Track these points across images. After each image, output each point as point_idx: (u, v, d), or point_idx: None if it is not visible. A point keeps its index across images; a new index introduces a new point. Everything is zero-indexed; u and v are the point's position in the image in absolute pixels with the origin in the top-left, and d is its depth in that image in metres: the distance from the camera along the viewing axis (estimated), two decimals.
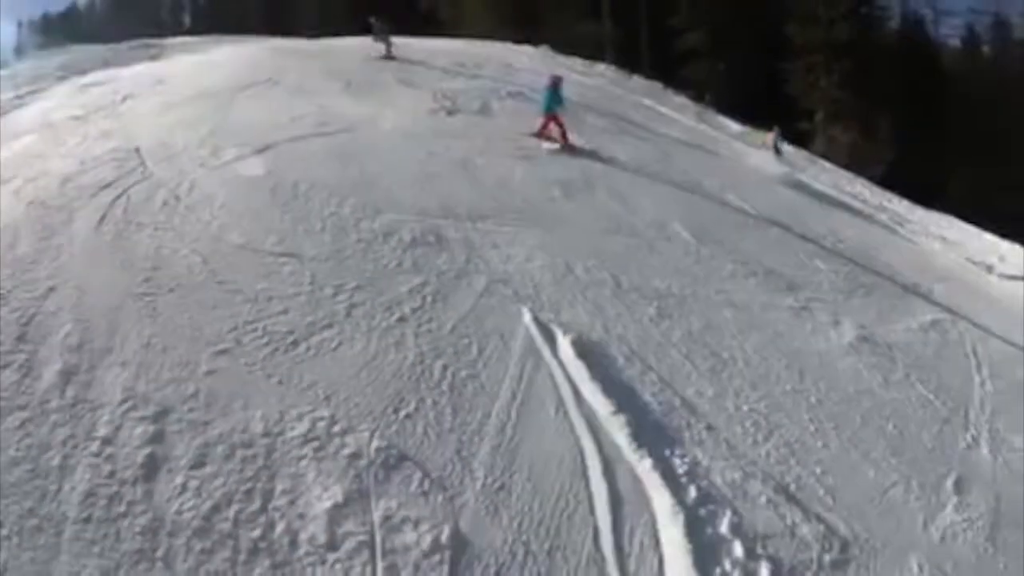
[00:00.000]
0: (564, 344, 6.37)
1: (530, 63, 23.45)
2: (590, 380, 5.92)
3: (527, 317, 6.72)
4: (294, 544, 4.12)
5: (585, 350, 6.35)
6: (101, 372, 5.20)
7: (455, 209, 8.94)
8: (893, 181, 27.40)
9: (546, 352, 6.25)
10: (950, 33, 42.66)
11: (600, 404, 5.68)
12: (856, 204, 20.68)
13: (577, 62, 27.56)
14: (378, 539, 4.24)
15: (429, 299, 6.75)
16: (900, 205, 23.82)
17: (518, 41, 29.34)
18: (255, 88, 14.31)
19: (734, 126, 24.27)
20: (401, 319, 6.34)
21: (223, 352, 5.54)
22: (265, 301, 6.25)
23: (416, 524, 4.37)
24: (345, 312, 6.30)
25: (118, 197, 8.14)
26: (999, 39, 41.21)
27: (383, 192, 9.14)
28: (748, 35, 34.49)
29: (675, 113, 22.59)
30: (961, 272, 17.76)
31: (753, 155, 19.91)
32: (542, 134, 13.28)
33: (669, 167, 14.31)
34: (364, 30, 21.47)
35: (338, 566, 4.05)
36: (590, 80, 24.00)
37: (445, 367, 5.79)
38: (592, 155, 13.21)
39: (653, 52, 34.09)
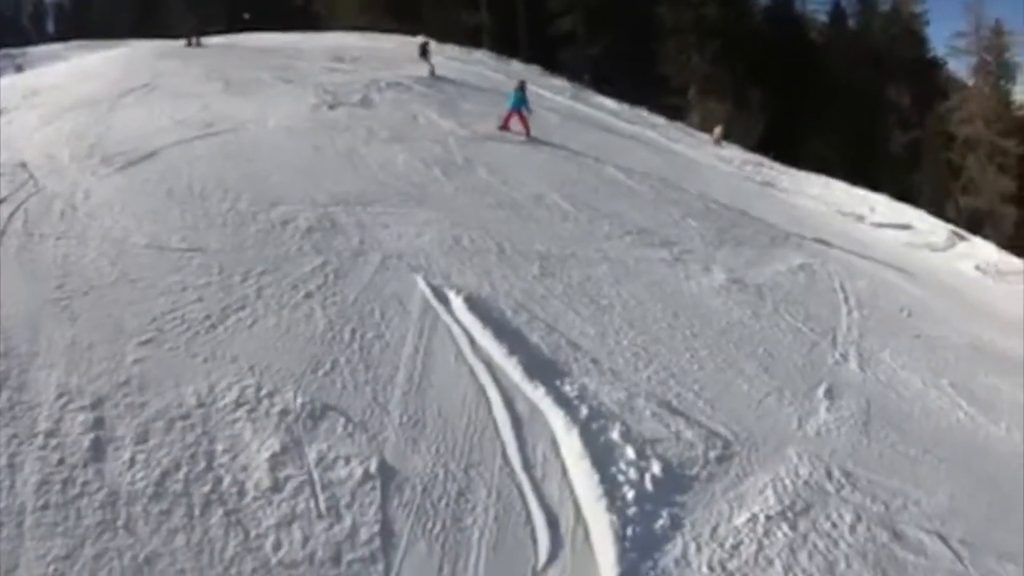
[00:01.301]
0: (457, 302, 7.20)
1: (407, 53, 23.89)
2: (483, 329, 6.76)
3: (421, 284, 7.50)
4: (242, 492, 4.64)
5: (476, 306, 7.20)
6: (32, 374, 5.48)
7: (345, 196, 9.60)
8: (766, 147, 29.65)
9: (441, 311, 7.05)
10: (817, 8, 45.50)
11: (494, 349, 6.51)
12: (730, 169, 22.37)
13: (455, 49, 28.08)
14: (316, 477, 4.84)
15: (331, 276, 7.42)
16: (773, 168, 25.78)
17: (397, 32, 29.65)
18: (134, 94, 14.45)
19: (610, 104, 25.20)
20: (308, 295, 6.99)
21: (147, 342, 5.97)
22: (179, 292, 6.72)
23: (347, 460, 5.01)
24: (255, 294, 6.86)
25: (15, 211, 8.33)
26: (863, 12, 44.12)
27: (275, 186, 9.69)
28: (621, 18, 36.05)
29: (553, 94, 23.51)
30: (832, 223, 19.65)
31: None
32: (504, 126, 15.05)
33: (546, 144, 15.30)
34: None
35: (284, 504, 4.60)
36: (469, 67, 24.64)
37: (353, 331, 6.49)
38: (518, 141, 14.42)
39: (530, 37, 35.11)
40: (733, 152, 24.99)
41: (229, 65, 17.88)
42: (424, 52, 21.96)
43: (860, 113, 38.70)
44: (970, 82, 42.39)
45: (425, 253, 8.38)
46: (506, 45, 32.47)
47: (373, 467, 5.02)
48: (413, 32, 29.46)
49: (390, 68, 20.01)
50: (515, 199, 11.17)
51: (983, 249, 25.67)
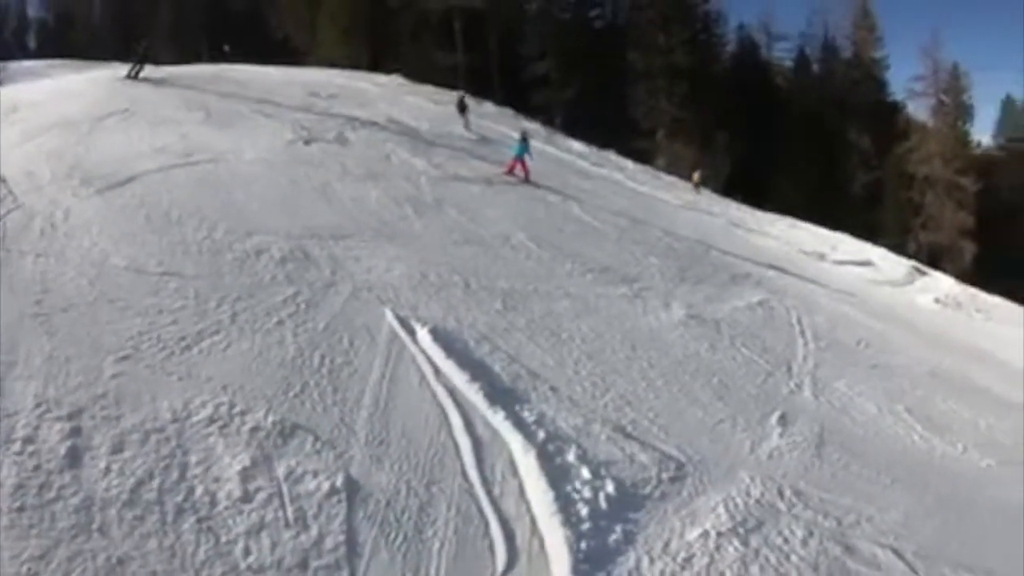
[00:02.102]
0: (423, 333, 7.52)
1: (383, 92, 24.33)
2: (446, 359, 7.08)
3: (389, 315, 7.83)
4: (214, 502, 4.84)
5: (441, 337, 7.52)
6: (9, 384, 5.64)
7: (318, 230, 9.93)
8: (731, 188, 30.42)
9: (408, 341, 7.37)
10: (783, 55, 47.11)
11: (457, 376, 6.83)
12: (695, 210, 22.90)
13: (430, 90, 28.53)
14: (284, 489, 5.07)
15: (303, 305, 7.70)
16: (738, 209, 26.46)
17: (373, 69, 30.13)
18: (114, 117, 14.64)
19: (580, 147, 25.73)
20: (280, 322, 7.25)
21: (124, 358, 6.18)
22: (156, 314, 6.95)
23: (315, 475, 5.25)
24: (230, 319, 7.11)
25: None
26: (827, 59, 45.65)
27: (251, 217, 9.97)
28: (593, 62, 36.81)
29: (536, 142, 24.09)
30: (793, 261, 20.22)
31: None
32: (510, 171, 16.38)
33: (515, 186, 15.76)
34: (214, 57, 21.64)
35: (253, 514, 4.81)
36: (442, 108, 24.90)
37: (323, 356, 6.77)
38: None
39: (504, 80, 35.61)
40: (707, 195, 25.59)
41: (209, 96, 18.13)
42: (462, 108, 22.68)
43: (823, 155, 39.89)
44: (929, 123, 43.74)
45: (394, 287, 8.71)
46: (480, 86, 33.03)
47: (339, 482, 5.25)
48: (389, 70, 30.02)
49: (366, 107, 20.45)
50: (482, 237, 11.58)
51: (942, 282, 26.48)
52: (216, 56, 27.39)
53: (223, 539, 4.58)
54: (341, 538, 4.78)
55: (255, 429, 5.59)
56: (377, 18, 36.38)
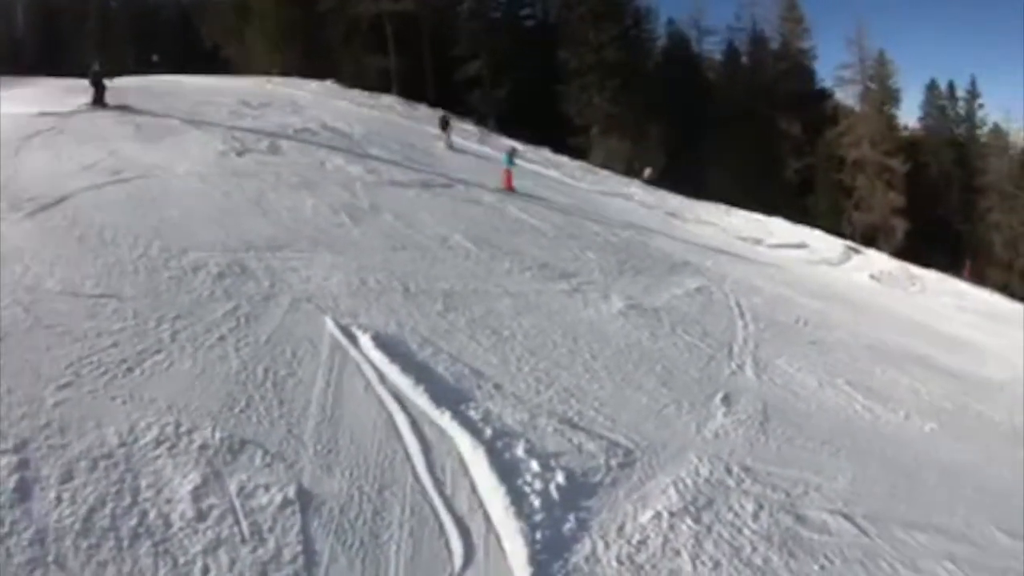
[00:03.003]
0: (365, 340, 7.54)
1: (315, 99, 24.11)
2: (390, 364, 7.11)
3: (330, 324, 7.81)
4: (168, 523, 4.78)
5: (383, 342, 7.55)
6: None
7: (255, 242, 9.83)
8: (666, 180, 30.98)
9: (350, 348, 7.37)
10: (712, 48, 48.22)
11: (401, 381, 6.87)
12: (631, 204, 23.28)
13: (363, 94, 28.38)
14: (238, 505, 5.03)
15: (243, 319, 7.63)
16: (674, 200, 26.96)
17: (305, 76, 29.77)
18: (42, 136, 14.15)
19: (516, 146, 26.14)
20: (221, 338, 7.17)
21: (66, 385, 6.04)
22: (95, 338, 6.80)
23: (267, 488, 5.23)
24: (170, 338, 7.00)
25: None
26: (755, 51, 46.82)
27: (186, 232, 9.81)
28: (525, 61, 37.18)
29: (458, 138, 24.03)
30: (730, 247, 20.74)
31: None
32: (507, 183, 17.68)
33: (451, 187, 15.82)
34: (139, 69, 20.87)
35: (209, 532, 4.77)
36: (376, 112, 25.00)
37: (266, 370, 6.72)
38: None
39: (438, 81, 35.65)
40: (650, 189, 25.99)
41: (138, 109, 17.68)
42: (445, 125, 22.95)
43: (756, 143, 41.03)
44: (857, 108, 45.52)
45: (333, 295, 8.70)
46: (413, 89, 32.96)
47: (292, 493, 5.24)
48: (322, 76, 29.69)
49: (298, 114, 20.25)
50: (420, 241, 11.62)
51: (876, 259, 27.55)
52: (145, 67, 26.61)
53: (181, 560, 4.55)
54: (298, 549, 4.78)
55: (203, 447, 5.53)
56: (308, 24, 36.04)
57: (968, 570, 6.74)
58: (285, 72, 30.88)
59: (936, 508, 7.85)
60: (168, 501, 4.96)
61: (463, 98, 35.25)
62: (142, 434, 5.56)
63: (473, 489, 5.71)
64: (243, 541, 4.75)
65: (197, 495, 5.04)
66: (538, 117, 33.88)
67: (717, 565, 5.63)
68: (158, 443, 5.49)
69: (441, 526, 5.25)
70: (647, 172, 28.25)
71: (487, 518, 5.43)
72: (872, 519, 6.94)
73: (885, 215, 41.68)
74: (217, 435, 5.67)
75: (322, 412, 6.24)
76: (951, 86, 49.80)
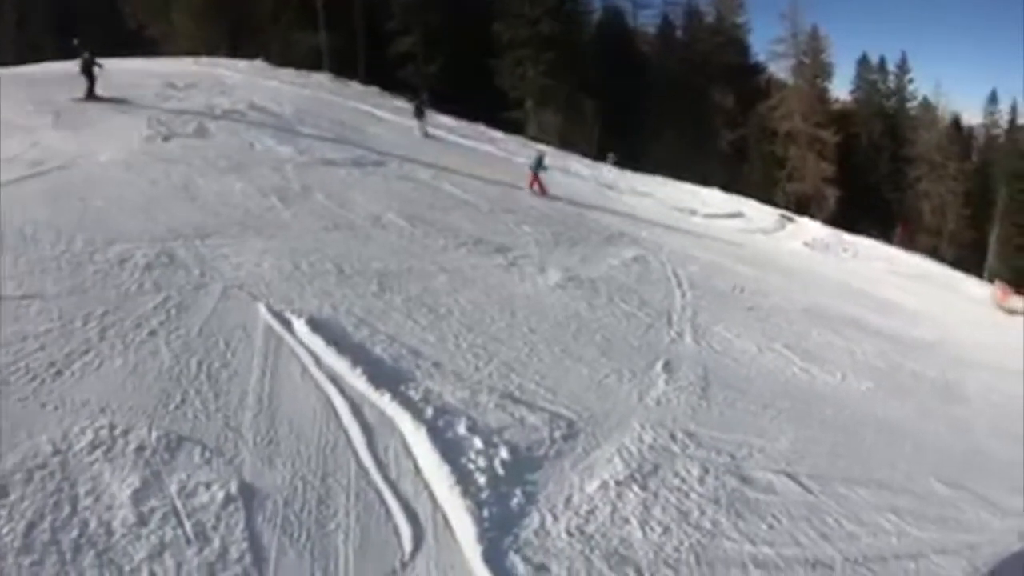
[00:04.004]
0: (299, 325, 7.37)
1: (244, 79, 23.35)
2: (326, 347, 6.98)
3: (263, 310, 7.61)
4: (110, 531, 4.61)
5: (318, 326, 7.40)
6: None
7: (183, 230, 9.47)
8: (603, 152, 31.20)
9: (285, 334, 7.20)
10: (647, 22, 48.47)
11: (338, 364, 6.76)
12: (567, 176, 23.32)
13: (293, 73, 27.68)
14: (179, 505, 4.88)
15: (173, 311, 7.35)
16: (609, 172, 27.15)
17: (233, 55, 28.84)
18: None
19: (449, 121, 25.70)
20: (152, 332, 6.90)
21: None
22: (20, 342, 6.47)
23: (208, 486, 5.08)
24: (99, 337, 6.70)
25: None
26: (690, 25, 47.27)
27: (111, 224, 9.41)
28: (459, 35, 36.47)
29: (392, 115, 23.72)
30: (666, 218, 21.00)
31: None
32: (530, 186, 17.71)
33: (384, 165, 15.57)
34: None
35: (153, 536, 4.62)
36: (307, 90, 24.37)
37: (200, 362, 6.51)
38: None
39: (369, 57, 34.91)
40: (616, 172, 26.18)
41: (59, 94, 16.79)
42: (420, 113, 22.71)
43: (690, 116, 41.74)
44: (790, 82, 46.67)
45: (265, 280, 8.47)
46: (345, 66, 32.28)
47: (234, 489, 5.12)
48: (249, 55, 28.80)
49: (227, 95, 19.58)
50: (352, 221, 11.42)
51: (809, 227, 28.35)
52: (66, 51, 25.34)
53: (126, 568, 4.40)
54: (245, 546, 4.68)
55: (140, 448, 5.34)
56: (235, 1, 34.77)
57: (910, 520, 7.02)
58: (212, 52, 29.82)
59: (876, 463, 8.13)
60: (108, 508, 4.79)
61: (396, 74, 34.63)
62: (76, 440, 5.33)
63: (417, 470, 5.67)
64: (188, 543, 4.62)
65: (137, 499, 4.88)
66: (473, 91, 33.52)
67: (667, 530, 5.73)
68: (93, 448, 5.28)
69: (388, 511, 5.21)
70: (610, 157, 28.71)
71: (433, 499, 5.41)
72: (815, 477, 7.16)
73: (817, 184, 43.22)
74: (153, 434, 5.48)
75: (259, 402, 6.09)
76: (882, 61, 51.48)
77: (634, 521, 5.74)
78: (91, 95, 17.16)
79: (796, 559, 5.89)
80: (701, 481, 6.52)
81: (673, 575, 5.31)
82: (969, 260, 40.91)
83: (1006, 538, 7.38)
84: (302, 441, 5.71)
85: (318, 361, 6.79)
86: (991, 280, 30.61)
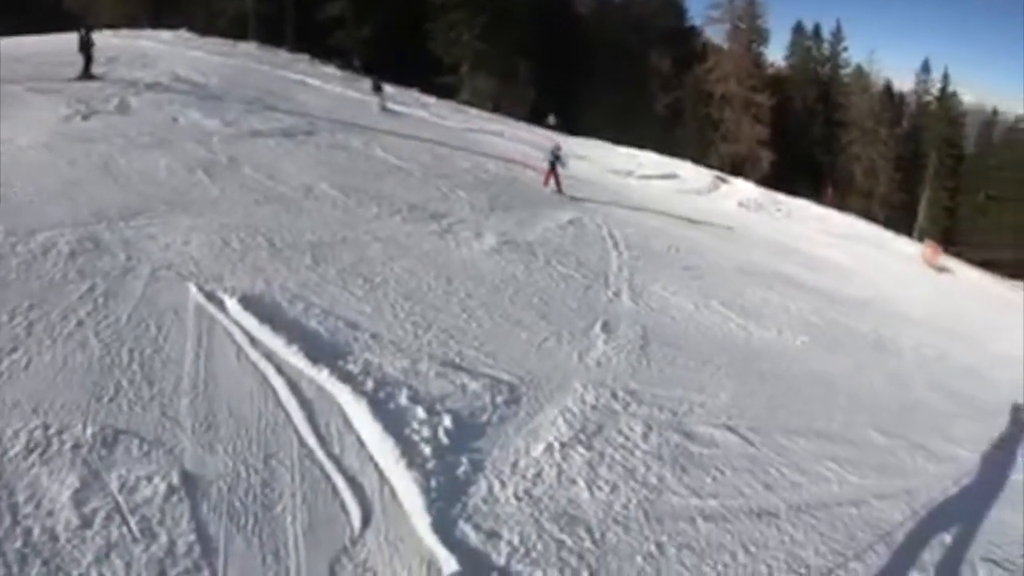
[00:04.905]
0: (231, 303, 7.17)
1: (168, 50, 22.48)
2: (260, 325, 6.81)
3: (194, 291, 7.35)
4: (54, 537, 4.42)
5: (251, 303, 7.21)
6: None
7: (106, 212, 9.06)
8: (537, 116, 31.15)
9: (217, 314, 6.99)
10: None
11: (274, 342, 6.61)
12: (501, 141, 23.21)
13: (219, 42, 26.82)
14: (122, 502, 4.72)
15: (101, 299, 7.03)
16: (545, 135, 27.08)
17: (156, 26, 27.70)
18: None
19: (387, 88, 25.58)
20: (79, 323, 6.59)
21: None
22: None
23: (149, 479, 4.92)
24: (25, 332, 6.37)
25: None
26: None
27: (32, 211, 8.94)
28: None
29: (322, 82, 23.24)
30: (601, 180, 21.15)
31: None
32: (546, 181, 16.63)
33: (315, 134, 15.23)
34: None
35: (98, 538, 4.45)
36: (233, 60, 23.67)
37: (131, 351, 6.27)
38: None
39: (298, 24, 34.09)
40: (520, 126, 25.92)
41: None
42: (378, 88, 22.60)
43: (626, 79, 41.93)
44: (726, 47, 47.71)
45: (195, 259, 8.19)
46: (274, 33, 31.35)
47: (176, 480, 4.98)
48: (173, 25, 27.69)
49: (149, 68, 18.79)
50: (283, 193, 11.14)
51: (744, 188, 28.98)
52: None
53: (75, 574, 4.24)
54: (192, 538, 4.56)
55: (76, 446, 5.13)
56: None
57: (850, 468, 7.33)
58: (135, 24, 28.50)
59: (814, 414, 8.43)
60: (50, 513, 4.60)
61: (326, 40, 33.74)
62: (10, 444, 5.09)
63: (361, 444, 5.63)
64: (135, 541, 4.49)
65: (78, 500, 4.70)
66: (406, 56, 32.97)
67: (614, 488, 5.84)
68: (29, 451, 5.05)
69: (334, 488, 5.16)
70: (551, 119, 28.57)
71: (379, 472, 5.38)
72: (756, 430, 7.38)
73: (751, 147, 44.43)
74: (89, 431, 5.28)
75: (195, 387, 5.92)
76: (817, 28, 53.18)
77: (581, 481, 5.83)
78: (87, 73, 16.60)
79: (742, 510, 6.09)
80: (645, 438, 6.65)
81: (623, 532, 5.42)
82: (899, 221, 42.86)
83: (942, 483, 7.76)
84: (242, 424, 5.59)
85: (253, 340, 6.63)
86: (921, 239, 31.98)
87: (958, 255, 31.48)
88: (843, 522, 6.41)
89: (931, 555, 6.38)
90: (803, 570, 5.62)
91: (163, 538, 4.52)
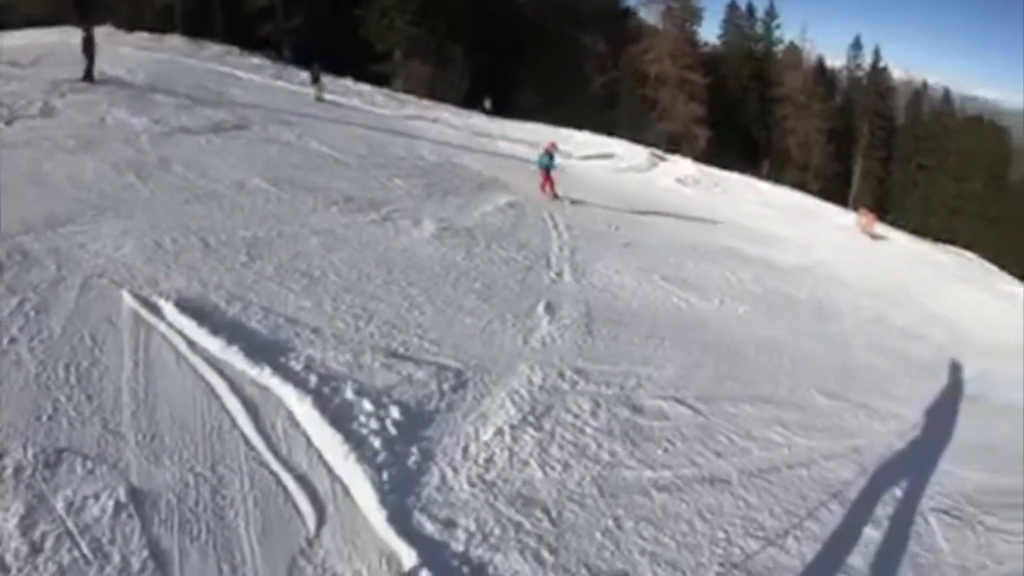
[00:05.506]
0: (168, 308, 6.95)
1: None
2: (198, 328, 6.63)
3: (128, 298, 7.07)
4: (5, 568, 4.23)
5: (188, 306, 7.01)
6: None
7: (33, 222, 8.63)
8: (472, 102, 31.04)
9: (154, 320, 6.76)
10: None
11: (213, 343, 6.44)
12: (438, 126, 23.11)
13: (145, 37, 26.11)
14: (71, 525, 4.52)
15: (32, 314, 6.69)
16: (479, 120, 27.08)
17: (81, 23, 26.64)
18: None
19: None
20: (12, 340, 6.28)
21: None
22: None
23: (96, 497, 4.73)
24: None
25: None
26: None
27: None
28: None
29: (253, 75, 22.94)
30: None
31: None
32: (543, 188, 15.50)
33: (246, 129, 14.96)
34: None
35: (50, 564, 4.25)
36: (161, 55, 23.20)
37: (67, 365, 6.01)
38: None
39: (226, 15, 33.53)
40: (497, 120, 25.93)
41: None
42: (316, 79, 22.50)
43: (562, 62, 42.17)
44: (660, 27, 48.96)
45: (127, 265, 7.90)
46: (201, 26, 30.52)
47: (123, 495, 4.81)
48: (98, 21, 26.66)
49: (74, 67, 17.94)
50: (216, 190, 10.87)
51: (681, 165, 29.50)
52: None
53: None
54: (145, 554, 4.42)
55: (18, 470, 4.90)
56: None
57: (798, 431, 7.58)
58: (59, 21, 27.29)
59: (760, 381, 8.68)
60: None
61: (255, 31, 33.02)
62: None
63: (309, 443, 5.55)
64: (88, 563, 4.30)
65: (25, 527, 4.48)
66: (338, 45, 32.45)
67: (567, 467, 5.92)
68: None
69: (285, 490, 5.08)
70: (487, 103, 28.50)
71: (329, 470, 5.32)
72: (704, 399, 7.57)
73: (687, 124, 45.44)
74: (30, 453, 5.04)
75: (136, 398, 5.73)
76: (750, 7, 54.75)
77: (533, 462, 5.88)
78: (88, 76, 16.35)
79: (694, 478, 6.24)
80: (594, 415, 6.74)
81: (579, 510, 5.49)
82: (834, 192, 44.45)
83: (888, 439, 8.10)
84: (186, 431, 5.45)
85: (192, 344, 6.45)
86: (855, 209, 33.08)
87: (892, 223, 32.73)
88: (795, 483, 6.63)
89: (884, 509, 6.66)
90: (760, 533, 5.79)
91: (116, 558, 4.36)
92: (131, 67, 19.27)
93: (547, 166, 16.00)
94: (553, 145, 16.88)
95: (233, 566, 4.46)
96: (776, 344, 10.27)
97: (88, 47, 16.74)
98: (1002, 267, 29.20)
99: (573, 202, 15.67)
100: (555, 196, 15.77)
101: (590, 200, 16.35)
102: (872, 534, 6.22)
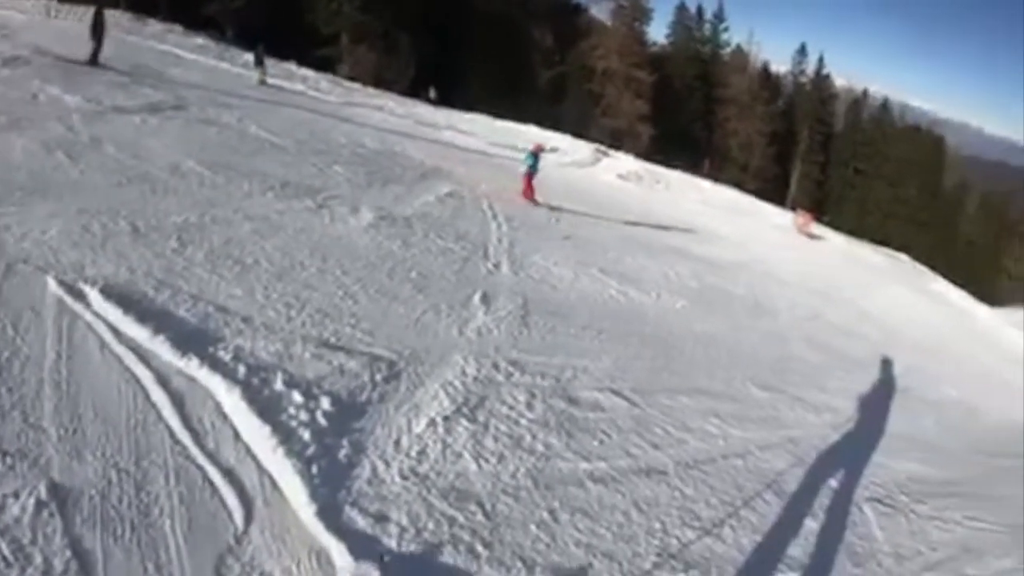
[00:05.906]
0: (93, 295, 6.68)
1: (30, 20, 21.26)
2: (124, 317, 6.39)
3: (52, 284, 6.76)
4: None
5: (114, 293, 6.75)
6: None
7: None
8: (417, 91, 30.84)
9: (79, 308, 6.48)
10: None
11: (139, 332, 6.22)
12: (381, 114, 22.88)
13: (84, 11, 24.98)
14: None
15: None
16: (424, 110, 26.89)
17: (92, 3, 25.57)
18: None
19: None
20: None
21: None
22: None
23: (16, 496, 4.51)
24: None
25: None
26: None
27: None
28: None
29: (194, 54, 22.41)
30: (482, 153, 21.16)
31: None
32: (524, 194, 15.00)
33: (184, 109, 14.55)
34: None
35: None
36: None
37: None
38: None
39: None
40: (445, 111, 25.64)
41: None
42: (259, 61, 22.13)
43: (509, 54, 42.25)
44: (609, 24, 49.90)
45: (53, 249, 7.54)
46: (144, 2, 29.48)
47: (44, 493, 4.60)
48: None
49: (8, 40, 17.42)
50: (148, 173, 10.51)
51: (624, 161, 29.90)
52: None
53: None
54: (68, 554, 4.23)
55: None
56: None
57: (734, 423, 7.75)
58: None
59: (696, 374, 8.84)
60: None
61: (200, 10, 32.06)
62: None
63: (237, 436, 5.42)
64: (8, 565, 4.10)
65: None
66: (284, 27, 31.78)
67: (501, 459, 5.91)
68: None
69: (212, 485, 4.95)
70: (432, 92, 28.32)
71: (258, 463, 5.21)
72: (640, 391, 7.65)
73: (632, 121, 46.15)
74: None
75: (58, 390, 5.49)
76: (699, 9, 56.03)
77: (467, 455, 5.86)
78: (94, 60, 15.96)
79: (630, 469, 6.31)
80: (529, 407, 6.76)
81: (514, 502, 5.49)
82: (773, 192, 45.82)
83: (822, 431, 8.36)
84: (110, 425, 5.25)
85: (117, 333, 6.21)
86: (793, 210, 34.15)
87: (828, 224, 33.85)
88: (730, 474, 6.77)
89: (819, 500, 6.84)
90: (696, 523, 5.88)
91: (38, 559, 4.17)
92: (68, 43, 18.37)
93: (531, 168, 15.54)
94: (539, 147, 16.53)
95: (158, 565, 4.32)
96: (713, 338, 10.47)
97: (97, 30, 16.30)
98: (933, 268, 30.59)
99: (552, 208, 15.44)
100: (535, 202, 15.36)
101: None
102: (808, 523, 6.39)
